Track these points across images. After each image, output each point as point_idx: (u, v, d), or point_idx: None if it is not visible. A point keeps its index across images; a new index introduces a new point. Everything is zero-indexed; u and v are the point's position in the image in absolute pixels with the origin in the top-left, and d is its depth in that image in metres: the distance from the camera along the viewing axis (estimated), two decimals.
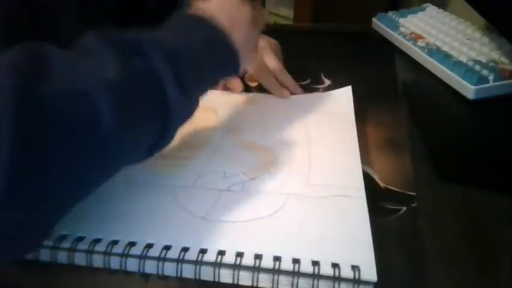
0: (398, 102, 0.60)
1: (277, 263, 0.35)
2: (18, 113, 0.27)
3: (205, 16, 0.42)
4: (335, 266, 0.35)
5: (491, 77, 0.60)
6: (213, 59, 0.42)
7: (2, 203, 0.26)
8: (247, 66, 0.48)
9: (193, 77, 0.39)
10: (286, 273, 0.35)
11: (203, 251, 0.36)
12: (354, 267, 0.35)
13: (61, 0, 0.49)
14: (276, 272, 0.35)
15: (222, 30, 0.42)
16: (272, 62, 0.61)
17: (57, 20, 0.49)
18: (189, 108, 0.40)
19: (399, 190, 0.45)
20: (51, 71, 0.30)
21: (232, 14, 0.45)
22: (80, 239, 0.37)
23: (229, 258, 0.36)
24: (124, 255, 0.36)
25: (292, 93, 0.60)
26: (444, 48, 0.68)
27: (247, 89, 0.62)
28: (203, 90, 0.42)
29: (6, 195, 0.26)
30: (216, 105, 0.57)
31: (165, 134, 0.38)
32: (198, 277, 0.36)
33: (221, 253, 0.36)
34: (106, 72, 0.32)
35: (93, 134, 0.31)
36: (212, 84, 0.44)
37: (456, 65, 0.63)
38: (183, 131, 0.51)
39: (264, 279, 0.35)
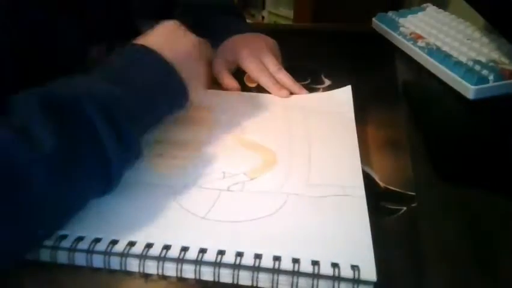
0: (398, 102, 0.60)
1: (277, 262, 0.35)
2: None
3: (151, 51, 0.42)
4: (334, 265, 0.35)
5: (491, 77, 0.60)
6: (162, 97, 0.43)
7: None
8: (195, 99, 0.47)
9: (134, 126, 0.39)
10: (286, 273, 0.35)
11: (203, 251, 0.36)
12: (354, 267, 0.35)
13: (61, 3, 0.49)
14: (275, 271, 0.35)
15: (171, 67, 0.42)
16: (271, 61, 0.61)
17: (56, 20, 0.49)
18: (131, 157, 0.40)
19: (399, 190, 0.45)
20: None
21: (176, 47, 0.45)
22: (80, 238, 0.37)
23: (229, 258, 0.36)
24: (124, 255, 0.36)
25: (291, 93, 0.60)
26: (444, 48, 0.68)
27: (246, 89, 0.62)
28: (146, 132, 0.43)
29: None
30: (215, 105, 0.57)
31: (108, 188, 0.39)
32: (197, 277, 0.36)
33: (221, 253, 0.36)
34: (41, 147, 0.33)
35: (25, 204, 0.32)
36: (156, 122, 0.44)
37: (456, 65, 0.63)
38: (183, 131, 0.51)
39: (263, 279, 0.35)
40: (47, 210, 0.34)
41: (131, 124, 0.39)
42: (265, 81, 0.60)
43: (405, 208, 0.43)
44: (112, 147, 0.37)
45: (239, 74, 0.63)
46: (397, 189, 0.46)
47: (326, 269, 0.35)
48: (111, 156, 0.37)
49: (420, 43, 0.71)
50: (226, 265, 0.36)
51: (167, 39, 0.45)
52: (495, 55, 0.66)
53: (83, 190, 0.37)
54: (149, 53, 0.42)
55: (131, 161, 0.40)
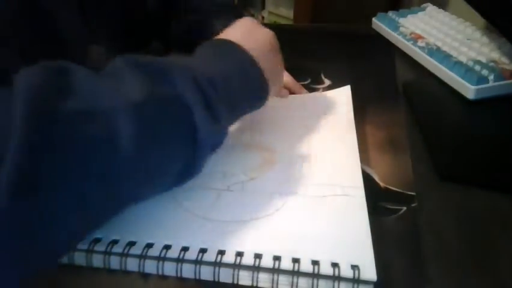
0: (398, 102, 0.60)
1: (277, 262, 0.35)
2: (27, 141, 0.26)
3: (235, 44, 0.41)
4: (334, 265, 0.35)
5: (491, 77, 0.60)
6: (244, 89, 0.41)
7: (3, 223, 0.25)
8: (274, 93, 0.46)
9: (224, 107, 0.38)
10: (286, 272, 0.35)
11: (203, 251, 0.36)
12: (354, 267, 0.35)
13: (63, 3, 0.49)
14: (275, 271, 0.35)
15: (253, 59, 0.41)
16: None
17: (58, 20, 0.49)
18: (218, 137, 0.39)
19: (399, 190, 0.46)
20: (72, 89, 0.29)
21: (256, 40, 0.44)
22: None
23: (229, 258, 0.36)
24: (124, 255, 0.36)
25: (291, 93, 0.60)
26: (444, 48, 0.68)
27: None
28: (232, 120, 0.42)
29: (7, 219, 0.25)
30: None
31: (193, 164, 0.37)
32: (197, 277, 0.36)
33: (221, 253, 0.36)
34: (130, 94, 0.31)
35: (109, 158, 0.29)
36: (241, 115, 0.43)
37: (456, 65, 0.63)
38: None
39: (263, 278, 0.35)
40: (132, 169, 0.31)
41: (224, 106, 0.37)
42: None
43: (405, 208, 0.43)
44: (203, 123, 0.35)
45: None
46: (397, 189, 0.46)
47: (325, 269, 0.35)
48: (201, 133, 0.35)
49: (420, 43, 0.71)
50: (226, 265, 0.36)
51: (247, 33, 0.45)
52: (495, 55, 0.66)
53: (167, 155, 0.34)
54: (231, 46, 0.41)
55: (219, 143, 0.39)
